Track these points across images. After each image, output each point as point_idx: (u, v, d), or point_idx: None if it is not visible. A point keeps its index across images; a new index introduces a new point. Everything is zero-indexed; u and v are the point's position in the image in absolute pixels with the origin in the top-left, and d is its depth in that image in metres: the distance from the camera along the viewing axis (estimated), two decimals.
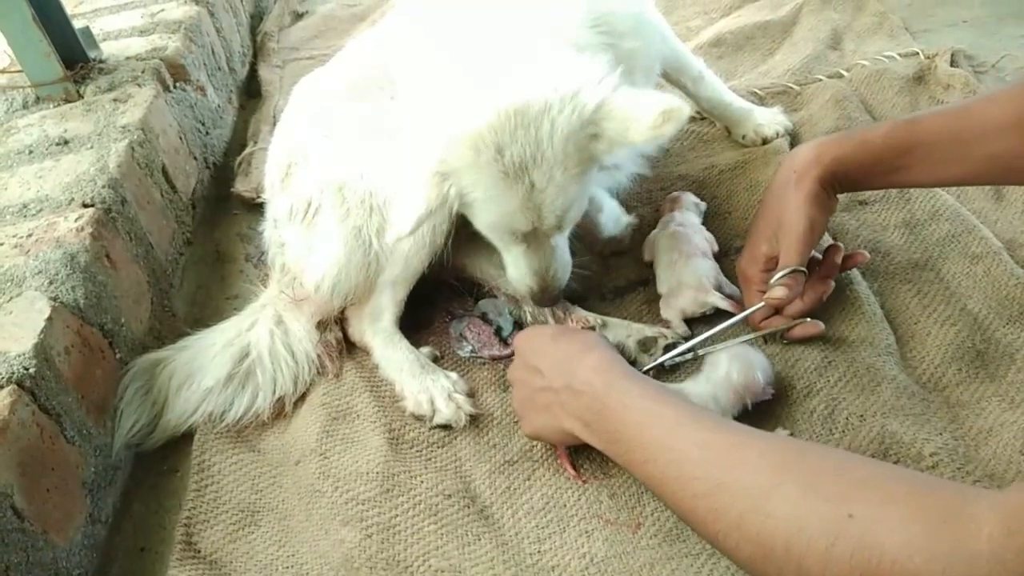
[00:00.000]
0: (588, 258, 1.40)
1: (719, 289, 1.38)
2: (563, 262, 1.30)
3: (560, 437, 1.13)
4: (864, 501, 0.73)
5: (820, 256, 1.34)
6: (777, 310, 1.29)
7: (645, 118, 1.08)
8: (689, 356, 1.29)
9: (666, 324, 1.40)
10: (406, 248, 1.39)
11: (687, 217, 1.53)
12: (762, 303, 1.28)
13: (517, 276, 1.31)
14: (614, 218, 1.55)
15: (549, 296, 1.31)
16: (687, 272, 1.40)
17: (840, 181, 1.26)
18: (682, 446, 0.90)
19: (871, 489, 0.75)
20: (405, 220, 1.16)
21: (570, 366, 1.07)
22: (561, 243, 1.28)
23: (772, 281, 1.25)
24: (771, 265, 1.28)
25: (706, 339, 1.29)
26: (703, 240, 1.48)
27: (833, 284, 1.31)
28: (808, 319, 1.28)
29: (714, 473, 0.85)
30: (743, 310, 1.33)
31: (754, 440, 0.88)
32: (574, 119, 1.10)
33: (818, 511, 0.75)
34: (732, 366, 1.18)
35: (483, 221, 1.23)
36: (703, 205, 1.60)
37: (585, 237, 1.51)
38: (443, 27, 1.29)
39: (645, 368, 1.28)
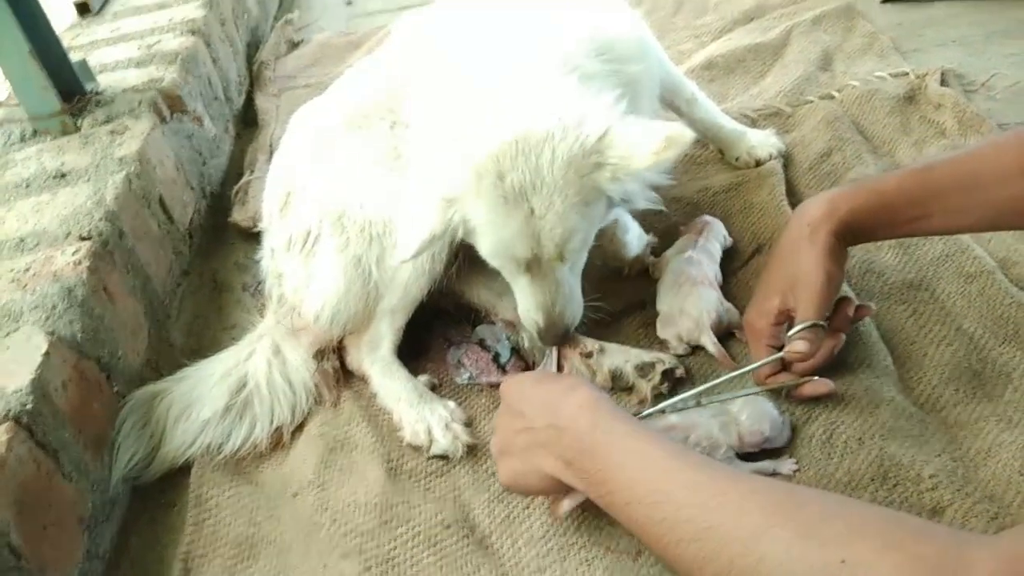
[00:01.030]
0: (600, 295, 1.38)
1: (719, 322, 1.38)
2: (570, 298, 1.26)
3: (538, 481, 1.07)
4: (858, 547, 0.72)
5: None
6: (785, 366, 1.25)
7: (648, 144, 1.10)
8: (692, 404, 1.23)
9: (663, 347, 1.41)
10: (405, 276, 1.40)
11: (710, 245, 1.51)
12: (777, 356, 1.24)
13: (524, 310, 1.29)
14: (638, 236, 1.55)
15: (555, 334, 1.28)
16: (690, 301, 1.39)
17: (855, 233, 1.23)
18: (669, 487, 0.87)
19: (865, 534, 0.73)
20: (409, 245, 1.19)
21: (555, 405, 1.04)
22: (568, 278, 1.25)
23: (791, 334, 1.21)
24: (782, 319, 1.25)
25: (710, 388, 1.24)
26: (715, 272, 1.47)
27: (843, 338, 1.27)
28: (817, 377, 1.24)
29: (702, 516, 0.83)
30: (731, 363, 1.34)
31: (743, 481, 0.86)
32: (575, 147, 1.12)
33: (810, 556, 0.74)
34: (744, 411, 1.17)
35: (486, 248, 1.23)
36: (730, 240, 1.57)
37: (611, 259, 1.52)
38: (452, 56, 1.32)
39: (644, 414, 1.23)
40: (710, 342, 1.36)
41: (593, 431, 0.97)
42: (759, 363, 1.26)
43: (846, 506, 0.81)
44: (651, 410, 1.24)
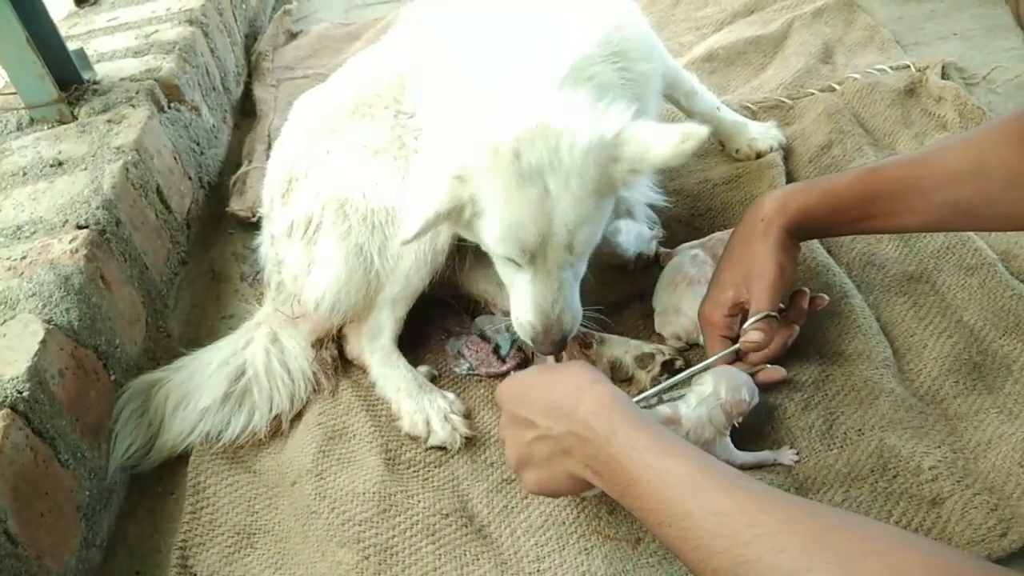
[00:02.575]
0: (601, 307, 1.36)
1: None
2: (570, 303, 1.21)
3: (568, 485, 1.03)
4: None
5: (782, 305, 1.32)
6: (739, 356, 1.28)
7: (667, 139, 1.10)
8: (654, 401, 1.22)
9: (662, 339, 1.41)
10: (407, 266, 1.39)
11: (719, 251, 1.46)
12: (734, 348, 1.27)
13: (520, 311, 1.22)
14: (635, 235, 1.54)
15: (551, 340, 1.21)
16: (686, 300, 1.39)
17: (805, 229, 1.28)
18: (699, 512, 0.83)
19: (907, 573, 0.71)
20: (413, 223, 1.16)
21: (566, 409, 0.98)
22: (570, 281, 1.21)
23: (746, 326, 1.24)
24: (735, 311, 1.28)
25: (674, 383, 1.24)
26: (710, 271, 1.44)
27: (798, 329, 1.30)
28: (769, 365, 1.26)
29: (736, 549, 0.78)
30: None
31: (774, 508, 0.81)
32: (595, 137, 1.11)
33: None
34: (720, 385, 1.16)
35: (492, 233, 1.18)
36: None
37: (613, 260, 1.50)
38: (465, 53, 1.29)
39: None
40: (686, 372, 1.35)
41: (611, 442, 0.93)
42: (716, 356, 1.27)
43: (888, 539, 0.76)
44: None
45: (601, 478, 0.95)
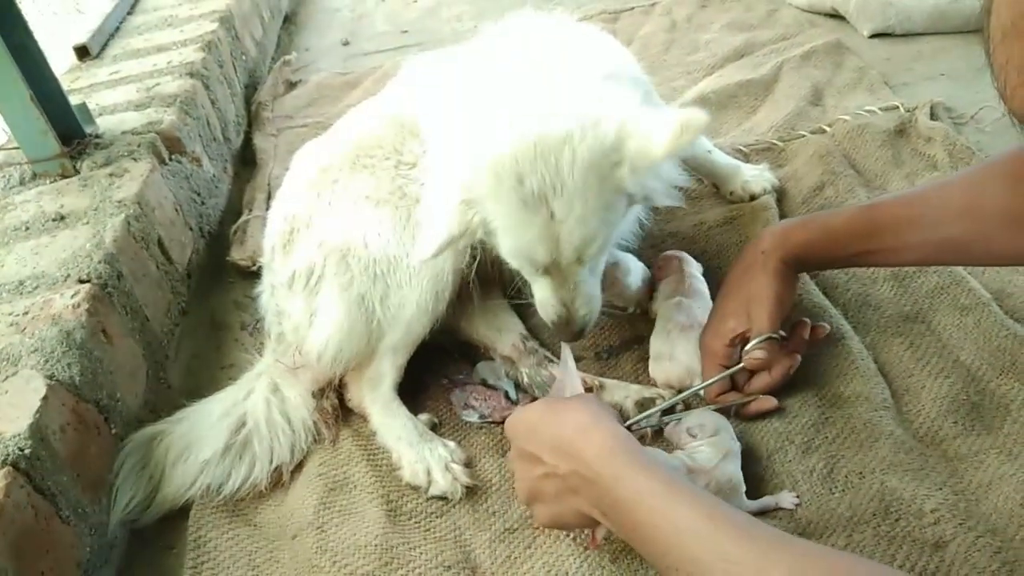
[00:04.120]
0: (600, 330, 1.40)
1: None
2: (589, 298, 1.24)
3: (577, 520, 1.05)
4: None
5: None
6: (735, 385, 1.32)
7: (663, 132, 1.09)
8: (654, 421, 1.29)
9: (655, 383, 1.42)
10: (409, 314, 1.40)
11: (697, 283, 1.51)
12: (733, 370, 1.30)
13: (542, 303, 1.26)
14: (641, 275, 1.55)
15: (572, 330, 1.25)
16: (680, 346, 1.40)
17: (803, 262, 1.33)
18: (706, 559, 0.83)
19: None
20: (429, 245, 1.19)
21: (573, 449, 0.99)
22: (587, 279, 1.23)
23: (748, 347, 1.27)
24: (736, 341, 1.30)
25: (671, 406, 1.30)
26: (704, 313, 1.45)
27: (799, 359, 1.32)
28: (762, 395, 1.30)
29: None
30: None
31: (781, 556, 0.81)
32: (596, 148, 1.11)
33: None
34: (726, 432, 1.19)
35: (505, 249, 1.22)
36: (700, 267, 1.58)
37: (615, 299, 1.51)
38: (471, 76, 1.34)
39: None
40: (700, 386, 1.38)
41: (616, 486, 0.94)
42: (715, 379, 1.30)
43: None
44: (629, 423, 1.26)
45: (608, 519, 0.97)
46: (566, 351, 1.29)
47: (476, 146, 1.16)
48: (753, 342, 1.27)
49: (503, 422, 1.41)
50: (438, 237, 1.18)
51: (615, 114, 1.12)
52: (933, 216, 1.21)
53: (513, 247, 1.19)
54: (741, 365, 1.29)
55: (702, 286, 1.52)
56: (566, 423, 1.03)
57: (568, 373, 1.27)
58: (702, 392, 1.35)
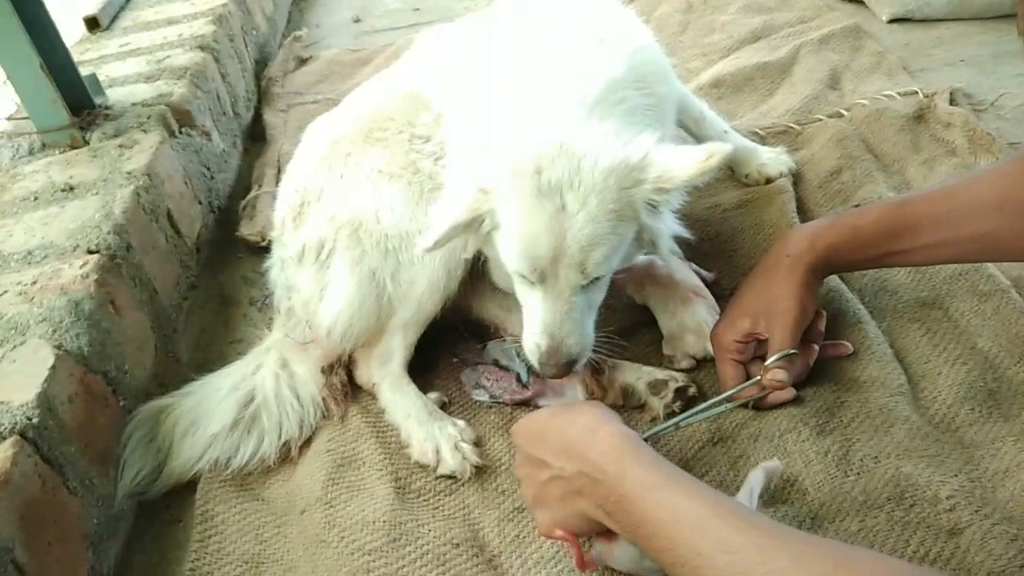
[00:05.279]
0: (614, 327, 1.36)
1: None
2: (579, 327, 1.19)
3: (582, 525, 1.03)
4: None
5: None
6: (748, 377, 1.30)
7: (689, 158, 1.12)
8: (672, 429, 1.27)
9: (671, 361, 1.41)
10: (420, 291, 1.39)
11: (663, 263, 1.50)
12: (753, 381, 1.27)
13: (528, 331, 1.22)
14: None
15: (555, 363, 1.19)
16: (687, 316, 1.41)
17: (831, 266, 1.30)
18: (709, 550, 0.83)
19: None
20: (433, 232, 1.18)
21: (579, 450, 0.99)
22: (582, 305, 1.19)
23: (768, 363, 1.25)
24: (748, 339, 1.29)
25: (687, 416, 1.25)
26: (691, 276, 1.47)
27: (817, 349, 1.31)
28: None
29: None
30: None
31: (785, 545, 0.80)
32: (620, 159, 1.12)
33: None
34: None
35: (507, 246, 1.19)
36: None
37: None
38: (495, 74, 1.32)
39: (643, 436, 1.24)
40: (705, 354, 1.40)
41: (623, 483, 0.93)
42: (739, 387, 1.28)
43: (900, 574, 0.76)
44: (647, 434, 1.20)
45: (613, 518, 0.96)
46: None
47: (498, 141, 1.17)
48: (772, 359, 1.24)
49: (513, 404, 1.40)
50: (444, 223, 1.17)
51: (642, 144, 1.14)
52: (963, 212, 1.18)
53: (518, 238, 1.16)
54: (757, 379, 1.26)
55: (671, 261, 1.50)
56: (572, 426, 1.04)
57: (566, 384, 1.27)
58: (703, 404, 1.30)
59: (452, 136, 1.37)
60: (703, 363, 1.41)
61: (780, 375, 1.24)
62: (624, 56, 1.28)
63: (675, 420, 1.24)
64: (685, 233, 1.31)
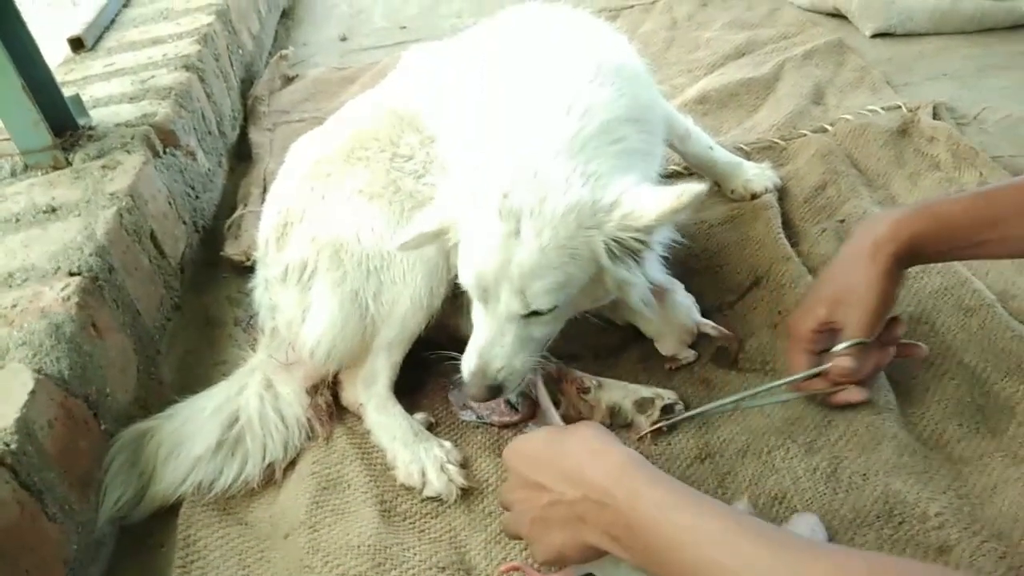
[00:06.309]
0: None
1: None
2: (511, 355, 1.19)
3: (580, 554, 0.98)
4: None
5: None
6: (821, 372, 1.26)
7: (662, 198, 1.12)
8: (730, 407, 1.29)
9: (661, 381, 1.40)
10: (403, 310, 1.39)
11: None
12: (822, 368, 1.24)
13: (467, 349, 1.23)
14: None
15: (478, 384, 1.19)
16: (667, 310, 1.42)
17: (916, 256, 1.23)
18: (738, 568, 0.79)
19: None
20: (409, 231, 1.23)
21: (580, 473, 0.95)
22: (520, 333, 1.19)
23: (836, 349, 1.22)
24: (824, 328, 1.25)
25: (749, 395, 1.27)
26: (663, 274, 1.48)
27: (892, 352, 1.27)
28: (852, 385, 1.24)
29: None
30: (735, 336, 1.42)
31: (818, 556, 0.78)
32: (587, 199, 1.13)
33: None
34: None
35: (461, 262, 1.21)
36: None
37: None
38: (478, 77, 1.35)
39: (695, 412, 1.29)
40: (709, 326, 1.44)
41: (633, 505, 0.89)
42: (803, 374, 1.26)
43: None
44: (692, 412, 1.30)
45: (621, 544, 0.91)
46: (539, 386, 1.29)
47: (485, 164, 1.20)
48: (843, 346, 1.21)
49: (501, 426, 1.39)
50: (412, 231, 1.22)
51: (618, 187, 1.14)
52: None
53: (467, 256, 1.18)
54: (826, 367, 1.24)
55: None
56: (572, 449, 1.00)
57: (544, 411, 1.27)
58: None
59: (447, 159, 1.38)
60: (692, 379, 1.41)
61: (847, 362, 1.20)
62: (622, 90, 1.27)
63: (735, 397, 1.27)
64: (664, 282, 1.32)
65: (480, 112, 1.32)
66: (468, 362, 1.22)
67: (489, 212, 1.14)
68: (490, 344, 1.19)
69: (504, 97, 1.29)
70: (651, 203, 1.12)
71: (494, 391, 1.20)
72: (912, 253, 1.22)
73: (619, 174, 1.17)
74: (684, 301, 1.45)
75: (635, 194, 1.14)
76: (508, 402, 1.40)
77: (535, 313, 1.17)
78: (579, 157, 1.16)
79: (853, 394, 1.24)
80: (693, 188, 1.11)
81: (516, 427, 1.39)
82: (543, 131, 1.19)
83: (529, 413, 1.39)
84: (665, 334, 1.44)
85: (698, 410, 1.30)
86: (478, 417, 1.42)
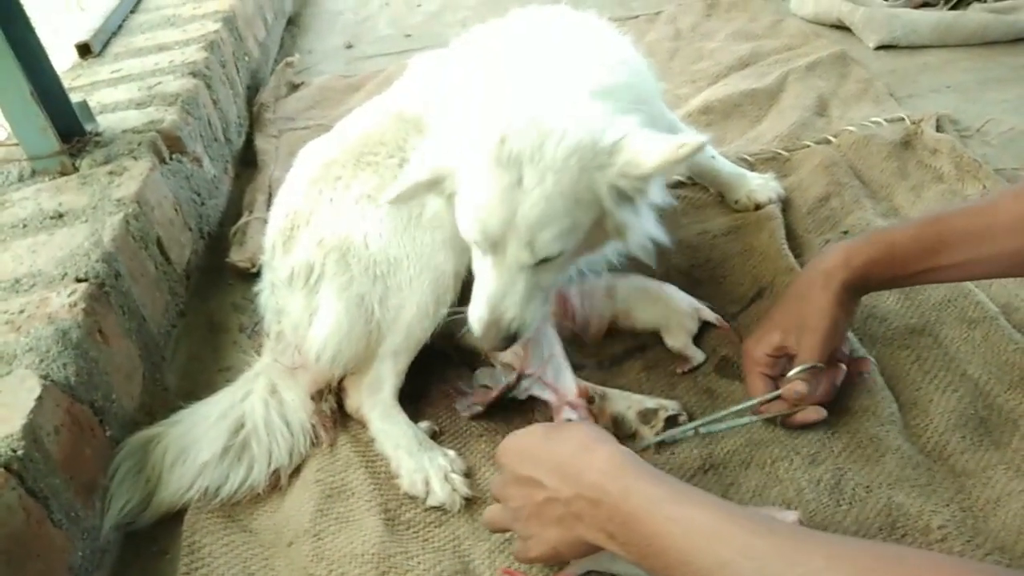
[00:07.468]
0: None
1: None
2: (522, 303, 1.17)
3: (575, 551, 1.00)
4: None
5: None
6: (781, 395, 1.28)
7: (663, 146, 1.10)
8: (691, 433, 1.29)
9: (665, 392, 1.40)
10: (409, 317, 1.39)
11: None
12: (776, 393, 1.27)
13: (473, 303, 1.20)
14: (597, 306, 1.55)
15: (493, 335, 1.18)
16: (669, 300, 1.47)
17: (868, 283, 1.27)
18: (732, 558, 0.79)
19: None
20: (401, 183, 1.20)
21: (575, 470, 0.96)
22: (528, 281, 1.17)
23: (790, 375, 1.25)
24: (779, 353, 1.29)
25: (709, 421, 1.28)
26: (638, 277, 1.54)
27: (844, 369, 1.29)
28: (810, 406, 1.26)
29: None
30: (724, 325, 1.45)
31: (814, 546, 0.78)
32: (587, 142, 1.11)
33: None
34: None
35: (461, 212, 1.18)
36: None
37: (567, 322, 1.52)
38: (480, 80, 1.33)
39: (644, 445, 1.28)
40: (712, 316, 1.49)
41: (627, 500, 0.89)
42: (760, 399, 1.29)
43: (948, 567, 0.74)
44: (651, 440, 1.28)
45: (616, 541, 0.92)
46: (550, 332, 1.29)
47: (472, 111, 1.19)
48: (795, 371, 1.24)
49: (504, 393, 1.40)
50: (406, 181, 1.18)
51: (619, 128, 1.13)
52: (1005, 227, 1.15)
53: (471, 205, 1.15)
54: (779, 392, 1.26)
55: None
56: (565, 446, 1.00)
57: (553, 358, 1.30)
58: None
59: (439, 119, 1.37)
60: (696, 388, 1.41)
61: (800, 387, 1.23)
62: (623, 72, 1.29)
63: (695, 424, 1.27)
64: (664, 239, 1.29)
65: (484, 109, 1.31)
66: (478, 312, 1.19)
67: (486, 159, 1.11)
68: (501, 295, 1.17)
69: (509, 93, 1.29)
70: (652, 152, 1.10)
71: (509, 340, 1.19)
72: (864, 281, 1.25)
73: (619, 115, 1.16)
74: (678, 291, 1.50)
75: (636, 139, 1.12)
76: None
77: (544, 260, 1.16)
78: (580, 102, 1.15)
79: (811, 414, 1.26)
80: (694, 139, 1.10)
81: (518, 385, 1.39)
82: (543, 84, 1.19)
83: (504, 388, 1.40)
84: (671, 323, 1.47)
85: (658, 437, 1.29)
86: (482, 404, 1.43)
